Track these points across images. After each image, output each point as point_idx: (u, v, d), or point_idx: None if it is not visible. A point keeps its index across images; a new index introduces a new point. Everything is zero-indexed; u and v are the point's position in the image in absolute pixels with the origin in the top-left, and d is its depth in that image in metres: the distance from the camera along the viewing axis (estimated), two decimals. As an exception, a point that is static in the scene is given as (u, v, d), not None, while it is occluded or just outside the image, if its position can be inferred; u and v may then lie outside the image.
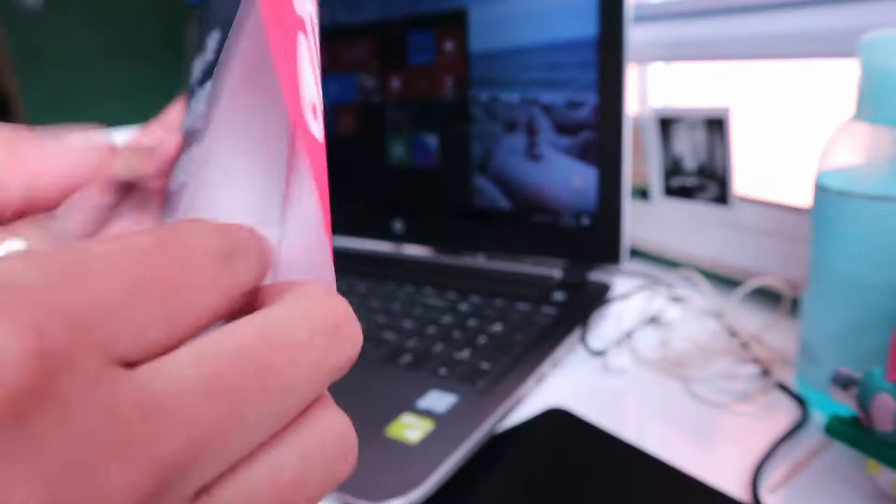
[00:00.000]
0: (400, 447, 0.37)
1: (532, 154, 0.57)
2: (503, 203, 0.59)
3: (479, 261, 0.65)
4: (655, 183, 0.64)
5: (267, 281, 0.16)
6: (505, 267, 0.62)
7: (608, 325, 0.54)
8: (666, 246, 0.67)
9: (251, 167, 0.18)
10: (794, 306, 0.52)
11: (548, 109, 0.55)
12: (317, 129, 0.18)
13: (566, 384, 0.46)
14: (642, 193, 0.68)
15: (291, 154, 0.17)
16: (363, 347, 0.19)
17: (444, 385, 0.43)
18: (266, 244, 0.16)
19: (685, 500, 0.34)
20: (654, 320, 0.54)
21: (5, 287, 0.11)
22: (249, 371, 0.13)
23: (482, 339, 0.48)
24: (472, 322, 0.51)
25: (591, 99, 0.53)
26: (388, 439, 0.38)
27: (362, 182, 0.68)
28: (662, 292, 0.57)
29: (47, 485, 0.11)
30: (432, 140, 0.62)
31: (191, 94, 0.21)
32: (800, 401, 0.41)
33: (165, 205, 0.21)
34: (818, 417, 0.40)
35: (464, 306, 0.54)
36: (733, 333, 0.50)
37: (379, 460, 0.36)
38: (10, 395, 0.10)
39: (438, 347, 0.48)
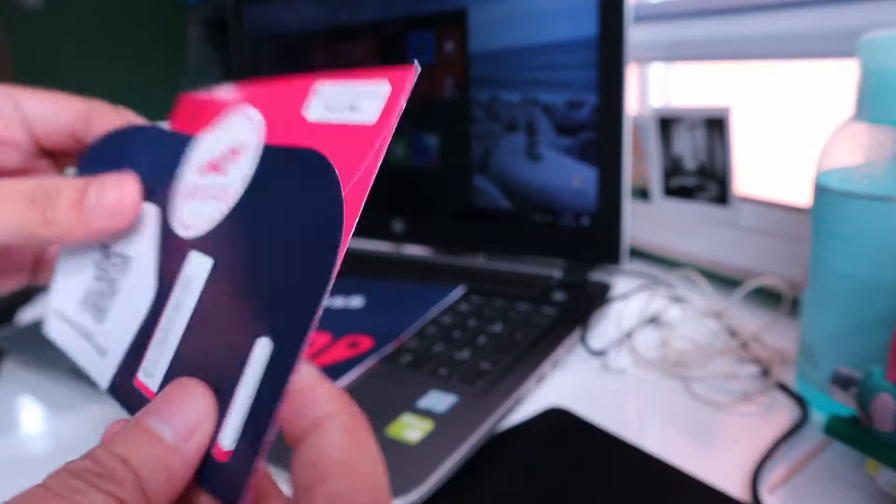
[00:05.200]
0: (400, 447, 0.37)
1: (532, 154, 0.57)
2: (503, 203, 0.59)
3: (479, 261, 0.65)
4: (655, 183, 0.64)
5: None
6: (505, 267, 0.62)
7: (608, 325, 0.54)
8: (666, 246, 0.67)
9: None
10: (794, 306, 0.52)
11: (548, 109, 0.55)
12: None
13: (566, 384, 0.46)
14: (642, 193, 0.68)
15: None
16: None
17: (444, 385, 0.43)
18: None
19: (685, 500, 0.34)
20: (654, 320, 0.54)
21: None
22: None
23: (482, 339, 0.48)
24: (472, 322, 0.51)
25: (591, 99, 0.53)
26: (388, 439, 0.38)
27: (362, 182, 0.68)
28: (662, 292, 0.57)
29: None
30: (432, 140, 0.62)
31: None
32: (800, 401, 0.41)
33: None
34: (818, 417, 0.40)
35: (464, 306, 0.54)
36: (733, 333, 0.50)
37: (379, 460, 0.36)
38: None
39: (438, 347, 0.48)
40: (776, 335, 0.50)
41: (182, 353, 0.21)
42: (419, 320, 0.52)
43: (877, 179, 0.35)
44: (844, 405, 0.34)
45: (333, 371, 0.45)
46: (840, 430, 0.34)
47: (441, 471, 0.35)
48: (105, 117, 0.28)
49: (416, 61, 0.18)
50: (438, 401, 0.41)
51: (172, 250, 0.23)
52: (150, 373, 0.22)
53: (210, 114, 0.25)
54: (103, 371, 0.25)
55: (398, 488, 0.34)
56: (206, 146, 0.24)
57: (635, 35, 0.65)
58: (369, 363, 0.46)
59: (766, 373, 0.45)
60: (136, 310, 0.24)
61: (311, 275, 0.18)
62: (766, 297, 0.55)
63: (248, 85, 0.24)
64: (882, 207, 0.34)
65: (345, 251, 0.18)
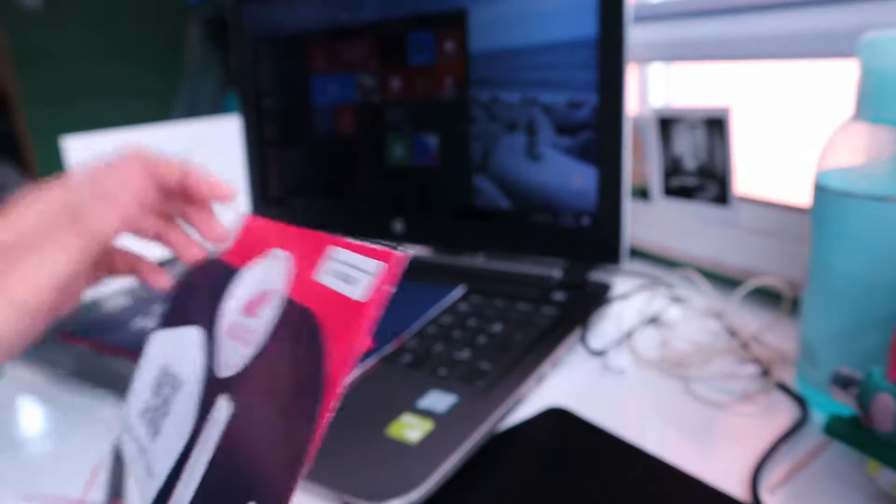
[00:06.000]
0: (400, 447, 0.37)
1: (532, 154, 0.57)
2: (503, 203, 0.59)
3: (479, 261, 0.65)
4: (655, 183, 0.64)
5: None
6: (505, 267, 0.62)
7: (608, 325, 0.54)
8: (666, 246, 0.67)
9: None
10: (794, 306, 0.52)
11: (548, 109, 0.55)
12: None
13: (566, 384, 0.46)
14: (642, 193, 0.68)
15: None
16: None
17: (444, 385, 0.43)
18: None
19: (685, 500, 0.34)
20: (654, 320, 0.54)
21: None
22: None
23: (482, 339, 0.48)
24: (472, 322, 0.51)
25: (591, 99, 0.53)
26: (388, 439, 0.38)
27: (362, 182, 0.68)
28: (662, 292, 0.57)
29: None
30: (432, 140, 0.62)
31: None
32: (800, 401, 0.41)
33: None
34: (818, 417, 0.40)
35: (463, 306, 0.54)
36: (733, 333, 0.50)
37: (379, 460, 0.36)
38: None
39: (438, 347, 0.48)
40: (776, 335, 0.50)
41: (198, 495, 0.22)
42: (419, 320, 0.52)
43: (877, 179, 0.35)
44: (845, 405, 0.34)
45: None
46: (840, 430, 0.34)
47: (441, 471, 0.35)
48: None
49: (409, 252, 0.20)
50: (438, 401, 0.41)
51: (213, 386, 0.24)
52: None
53: (259, 244, 0.27)
54: (147, 493, 0.25)
55: (398, 488, 0.34)
56: (248, 282, 0.26)
57: (635, 35, 0.65)
58: (369, 363, 0.46)
59: (766, 373, 0.45)
60: (179, 437, 0.25)
61: (289, 451, 0.19)
62: (766, 297, 0.55)
63: (282, 225, 0.26)
64: (882, 207, 0.34)
65: (324, 429, 0.18)
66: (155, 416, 0.27)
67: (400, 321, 0.51)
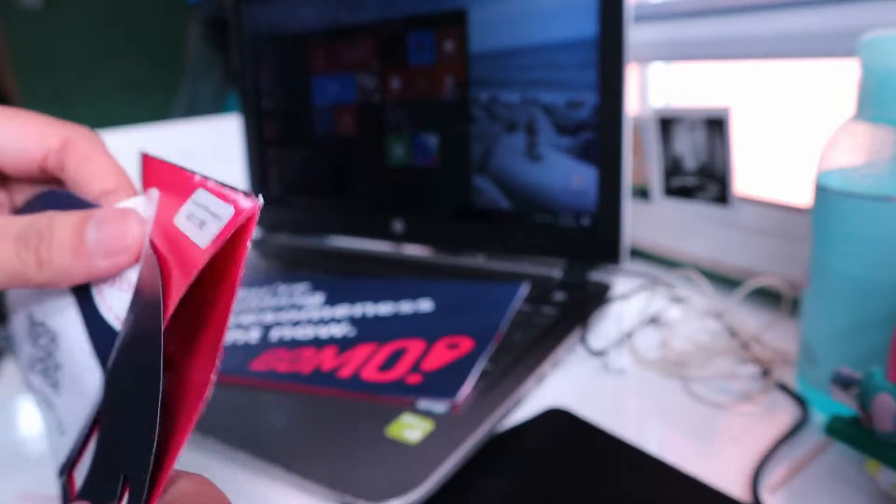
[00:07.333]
0: (400, 447, 0.37)
1: (532, 154, 0.57)
2: (503, 203, 0.59)
3: (479, 261, 0.65)
4: (655, 183, 0.64)
5: None
6: (505, 267, 0.62)
7: (608, 325, 0.54)
8: (666, 246, 0.67)
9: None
10: (794, 306, 0.52)
11: (548, 109, 0.55)
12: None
13: (566, 384, 0.46)
14: (642, 193, 0.68)
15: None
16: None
17: (444, 385, 0.43)
18: None
19: (685, 500, 0.34)
20: (654, 320, 0.54)
21: None
22: None
23: (482, 339, 0.48)
24: (472, 322, 0.51)
25: (591, 99, 0.53)
26: (388, 439, 0.38)
27: (362, 182, 0.68)
28: (662, 292, 0.57)
29: None
30: (432, 140, 0.62)
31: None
32: (800, 401, 0.41)
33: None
34: (818, 417, 0.40)
35: (464, 306, 0.54)
36: (733, 333, 0.50)
37: (379, 460, 0.36)
38: None
39: (438, 347, 0.48)
40: (776, 335, 0.50)
41: (94, 464, 0.21)
42: (506, 316, 0.50)
43: (877, 179, 0.35)
44: (845, 405, 0.34)
45: (453, 371, 0.43)
46: (841, 430, 0.34)
47: (441, 471, 0.35)
48: (80, 151, 0.25)
49: (261, 196, 0.17)
50: (438, 401, 0.41)
51: (108, 340, 0.21)
52: (81, 472, 0.21)
53: (149, 182, 0.24)
54: (59, 451, 0.23)
55: (398, 488, 0.34)
56: None
57: (635, 35, 0.65)
58: (482, 363, 0.45)
59: (766, 373, 0.45)
60: (84, 395, 0.22)
61: (141, 423, 0.17)
62: (766, 297, 0.55)
63: (162, 163, 0.23)
64: (882, 207, 0.34)
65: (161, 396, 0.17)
66: (45, 369, 0.24)
67: (490, 320, 0.49)
